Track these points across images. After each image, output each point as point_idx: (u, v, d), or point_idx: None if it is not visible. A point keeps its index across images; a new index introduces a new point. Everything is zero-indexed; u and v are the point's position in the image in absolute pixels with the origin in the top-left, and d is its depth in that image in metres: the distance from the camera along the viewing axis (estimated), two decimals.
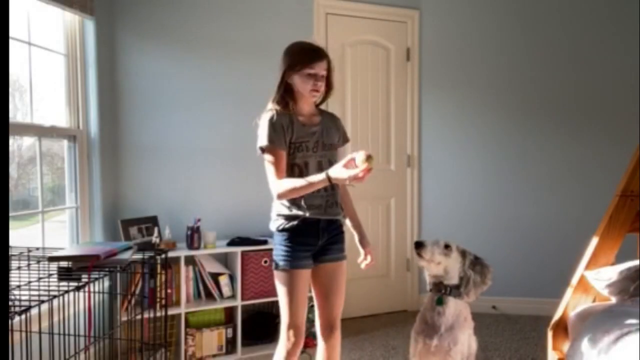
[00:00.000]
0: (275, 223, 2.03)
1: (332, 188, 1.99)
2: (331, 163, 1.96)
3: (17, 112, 2.57)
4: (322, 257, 2.04)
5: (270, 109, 2.02)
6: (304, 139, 1.99)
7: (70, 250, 1.85)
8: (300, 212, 1.97)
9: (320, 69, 1.97)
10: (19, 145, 2.67)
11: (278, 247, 2.03)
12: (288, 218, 1.99)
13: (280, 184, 1.92)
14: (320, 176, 1.85)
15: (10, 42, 2.30)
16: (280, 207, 2.01)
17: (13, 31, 2.35)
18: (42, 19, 2.67)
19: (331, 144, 2.06)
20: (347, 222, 2.18)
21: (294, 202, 1.98)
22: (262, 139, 1.96)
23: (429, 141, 3.98)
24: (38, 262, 1.81)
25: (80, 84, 2.87)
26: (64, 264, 1.69)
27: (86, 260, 1.67)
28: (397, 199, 3.96)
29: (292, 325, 2.00)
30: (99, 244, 1.89)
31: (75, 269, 1.67)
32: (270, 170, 1.96)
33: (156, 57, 3.20)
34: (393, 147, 3.92)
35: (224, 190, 3.36)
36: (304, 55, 1.98)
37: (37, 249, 2.01)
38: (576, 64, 3.82)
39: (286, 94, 2.01)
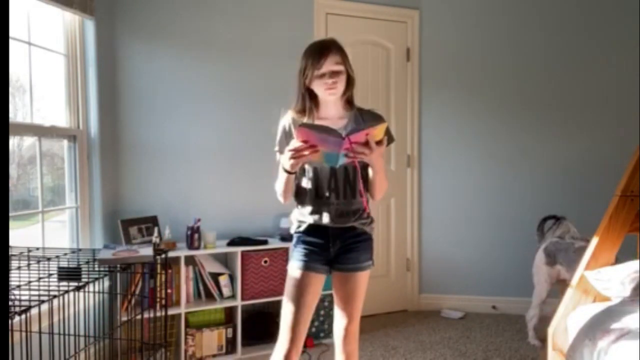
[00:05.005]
0: (292, 227, 2.04)
1: (344, 197, 1.92)
2: (347, 170, 1.91)
3: (17, 112, 2.57)
4: (336, 265, 1.97)
5: (287, 114, 2.00)
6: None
7: None
8: (306, 219, 1.96)
9: (329, 65, 1.87)
10: (19, 145, 2.66)
11: (293, 249, 2.02)
12: (300, 222, 2.00)
13: (275, 187, 1.95)
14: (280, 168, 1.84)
15: (10, 42, 2.30)
16: (294, 212, 2.03)
17: (13, 31, 2.35)
18: (42, 19, 2.67)
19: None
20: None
21: (302, 209, 1.98)
22: (276, 144, 2.02)
23: (429, 141, 3.98)
24: (38, 262, 1.81)
25: (80, 84, 2.87)
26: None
27: None
28: (397, 199, 3.96)
29: (286, 326, 1.95)
30: None
31: None
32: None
33: (156, 57, 3.20)
34: (393, 147, 3.92)
35: (224, 190, 3.36)
36: (310, 58, 1.90)
37: (37, 249, 2.01)
38: (576, 64, 3.83)
39: (309, 100, 1.95)
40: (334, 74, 1.87)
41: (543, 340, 3.04)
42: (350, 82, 1.94)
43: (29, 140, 2.64)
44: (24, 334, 1.53)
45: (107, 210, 2.99)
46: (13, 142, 2.58)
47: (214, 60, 3.33)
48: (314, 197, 1.94)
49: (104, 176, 2.96)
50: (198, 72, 3.30)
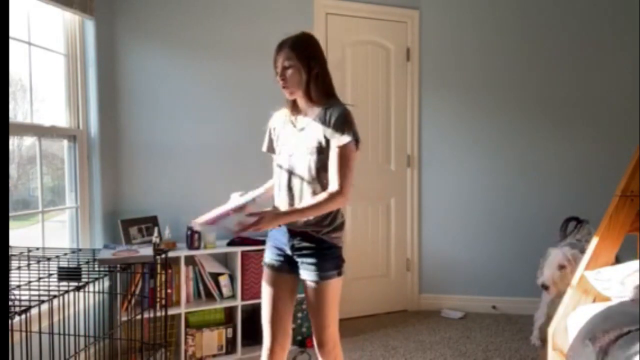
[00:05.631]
0: None
1: (300, 198, 1.86)
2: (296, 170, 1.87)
3: (17, 112, 2.57)
4: (299, 270, 1.90)
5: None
6: (284, 143, 1.96)
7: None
8: None
9: (279, 62, 1.89)
10: (19, 145, 2.66)
11: None
12: None
13: None
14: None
15: (10, 42, 2.30)
16: None
17: (13, 31, 2.35)
18: (42, 19, 2.67)
19: (307, 147, 1.86)
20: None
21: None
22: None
23: (429, 141, 3.98)
24: (38, 262, 1.81)
25: (80, 84, 2.87)
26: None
27: None
28: (397, 199, 3.96)
29: (264, 322, 1.96)
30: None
31: None
32: None
33: (156, 57, 3.20)
34: (393, 147, 3.92)
35: (224, 190, 3.34)
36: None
37: (37, 249, 2.01)
38: (576, 64, 3.82)
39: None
40: (282, 71, 1.87)
41: (544, 341, 3.03)
42: (307, 78, 1.86)
43: (29, 140, 2.64)
44: (24, 334, 1.53)
45: (107, 210, 2.99)
46: (13, 142, 2.58)
47: (214, 60, 3.33)
48: (276, 194, 1.97)
49: (104, 176, 2.96)
50: (198, 72, 3.30)
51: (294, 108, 1.96)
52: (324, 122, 1.84)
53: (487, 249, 3.94)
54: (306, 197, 1.85)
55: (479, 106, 3.94)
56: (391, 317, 3.82)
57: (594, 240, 2.29)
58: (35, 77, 2.56)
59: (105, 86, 2.98)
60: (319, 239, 1.86)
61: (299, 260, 1.89)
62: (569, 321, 2.25)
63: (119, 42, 3.10)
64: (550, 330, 2.38)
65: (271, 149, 2.06)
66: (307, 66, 1.86)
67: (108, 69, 3.03)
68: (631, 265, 2.19)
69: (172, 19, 3.23)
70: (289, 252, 1.91)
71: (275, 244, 1.96)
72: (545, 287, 2.87)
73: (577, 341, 2.04)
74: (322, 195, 1.79)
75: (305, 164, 1.85)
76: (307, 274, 1.86)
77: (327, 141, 1.83)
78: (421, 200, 4.01)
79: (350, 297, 3.72)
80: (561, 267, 2.82)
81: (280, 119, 2.02)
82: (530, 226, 3.85)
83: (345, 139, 1.79)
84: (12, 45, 2.35)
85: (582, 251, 2.91)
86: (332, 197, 1.78)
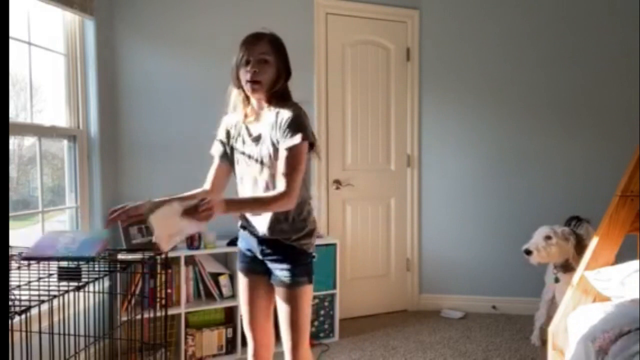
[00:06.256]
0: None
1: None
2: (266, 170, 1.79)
3: (18, 112, 2.57)
4: (271, 274, 1.86)
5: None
6: (241, 149, 1.89)
7: None
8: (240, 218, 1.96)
9: (256, 52, 1.72)
10: (19, 145, 2.67)
11: None
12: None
13: None
14: None
15: (10, 42, 2.30)
16: None
17: (13, 31, 2.35)
18: (42, 19, 2.67)
19: (259, 160, 1.81)
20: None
21: None
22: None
23: (429, 141, 3.98)
24: (38, 262, 1.80)
25: (80, 84, 2.87)
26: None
27: None
28: (397, 199, 3.96)
29: (245, 326, 1.98)
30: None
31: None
32: None
33: (156, 56, 3.20)
34: (393, 147, 3.92)
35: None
36: (242, 45, 1.76)
37: None
38: (576, 64, 3.82)
39: (243, 93, 1.83)
40: (259, 62, 1.73)
41: (544, 341, 3.03)
42: (283, 80, 1.78)
43: (29, 140, 2.64)
44: (24, 334, 1.53)
45: (107, 210, 2.98)
46: (13, 142, 2.58)
47: (214, 59, 3.32)
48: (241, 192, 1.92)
49: (104, 176, 2.96)
50: (198, 72, 3.30)
51: (247, 111, 1.85)
52: (275, 126, 1.74)
53: (487, 249, 3.94)
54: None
55: (479, 106, 3.94)
56: (391, 317, 3.82)
57: (594, 240, 2.29)
58: (35, 77, 2.56)
59: (105, 86, 2.98)
60: (288, 245, 1.81)
61: (270, 265, 1.86)
62: (569, 321, 2.25)
63: (119, 42, 3.10)
64: (550, 330, 2.38)
65: (219, 151, 2.01)
66: (284, 67, 1.78)
67: (108, 69, 3.03)
68: (631, 265, 2.19)
69: (173, 19, 3.23)
70: (259, 256, 1.88)
71: (246, 246, 1.94)
72: (527, 253, 2.98)
73: (576, 341, 2.04)
74: (269, 194, 1.73)
75: (262, 177, 1.81)
76: (278, 279, 1.82)
77: (277, 149, 1.75)
78: (421, 200, 4.01)
79: (350, 297, 3.73)
80: (547, 238, 2.96)
81: (233, 123, 1.94)
82: (530, 226, 3.82)
83: (294, 140, 1.70)
84: (12, 45, 2.35)
85: (577, 235, 2.96)
86: (277, 198, 1.69)
